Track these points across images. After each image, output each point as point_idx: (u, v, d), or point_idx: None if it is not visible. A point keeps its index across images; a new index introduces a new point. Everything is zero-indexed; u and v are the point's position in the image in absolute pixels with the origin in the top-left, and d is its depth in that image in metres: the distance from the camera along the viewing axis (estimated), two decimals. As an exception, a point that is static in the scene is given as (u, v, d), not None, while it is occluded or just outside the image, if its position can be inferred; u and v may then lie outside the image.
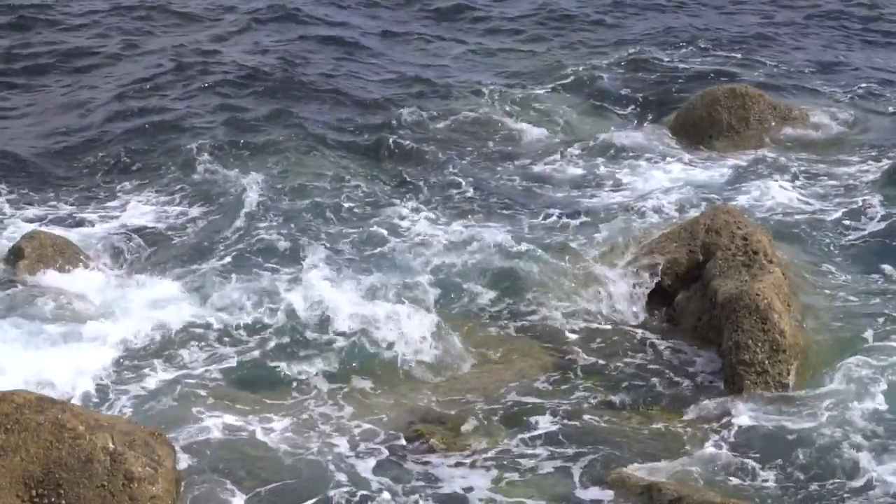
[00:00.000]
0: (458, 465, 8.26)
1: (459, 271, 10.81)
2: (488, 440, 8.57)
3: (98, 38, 18.55)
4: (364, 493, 7.86)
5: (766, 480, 8.08)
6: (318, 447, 8.43)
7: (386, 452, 8.40)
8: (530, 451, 8.45)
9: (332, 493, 7.86)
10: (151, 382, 9.18)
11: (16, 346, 9.45)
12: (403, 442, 8.53)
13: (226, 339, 9.85)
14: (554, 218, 12.23)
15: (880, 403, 8.88)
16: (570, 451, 8.39)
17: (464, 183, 13.19)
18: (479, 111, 15.38)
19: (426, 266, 10.90)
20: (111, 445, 7.40)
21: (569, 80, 16.66)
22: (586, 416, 8.87)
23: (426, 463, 8.30)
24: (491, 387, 9.28)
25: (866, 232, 11.70)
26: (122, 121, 14.93)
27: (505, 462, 8.31)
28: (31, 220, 12.12)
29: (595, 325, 10.17)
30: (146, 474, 7.40)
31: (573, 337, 10.00)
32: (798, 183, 12.94)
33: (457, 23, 20.13)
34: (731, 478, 8.12)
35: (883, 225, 11.87)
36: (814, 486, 8.01)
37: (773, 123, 14.73)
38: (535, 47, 18.60)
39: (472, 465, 8.27)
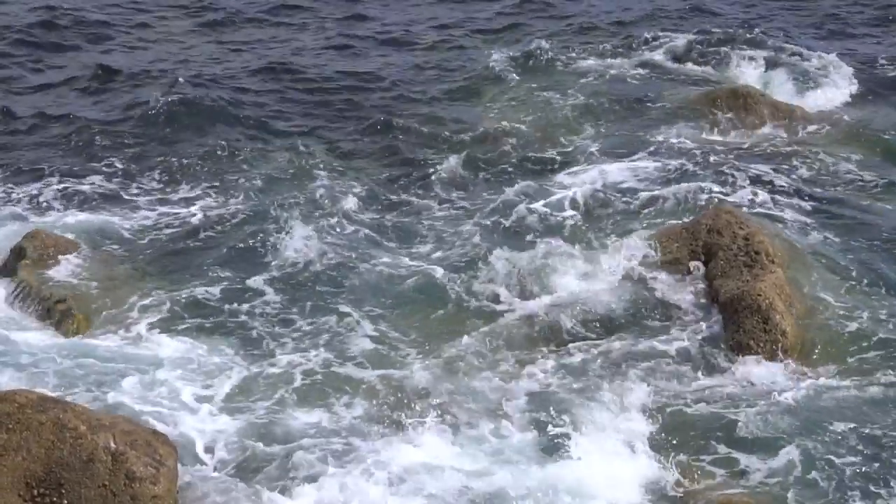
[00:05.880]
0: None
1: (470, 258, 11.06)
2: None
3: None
4: (366, 490, 7.85)
5: (765, 479, 8.09)
6: (319, 446, 8.43)
7: (389, 449, 8.38)
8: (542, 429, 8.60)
9: (333, 490, 7.85)
10: (151, 382, 9.16)
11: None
12: (409, 434, 8.54)
13: (235, 347, 9.84)
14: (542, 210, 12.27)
15: (882, 404, 8.88)
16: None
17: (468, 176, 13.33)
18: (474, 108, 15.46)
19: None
20: (113, 445, 7.40)
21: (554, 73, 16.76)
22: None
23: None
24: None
25: (868, 232, 11.69)
26: (130, 124, 14.93)
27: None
28: (31, 219, 12.14)
29: (597, 318, 10.18)
30: (148, 474, 7.40)
31: (573, 330, 10.03)
32: (800, 183, 12.91)
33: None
34: (731, 475, 8.13)
35: (885, 224, 11.86)
36: (812, 485, 8.01)
37: (774, 123, 14.71)
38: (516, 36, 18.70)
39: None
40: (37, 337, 9.72)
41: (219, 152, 13.84)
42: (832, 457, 8.27)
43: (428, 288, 10.66)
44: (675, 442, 8.44)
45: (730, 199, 12.20)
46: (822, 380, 9.24)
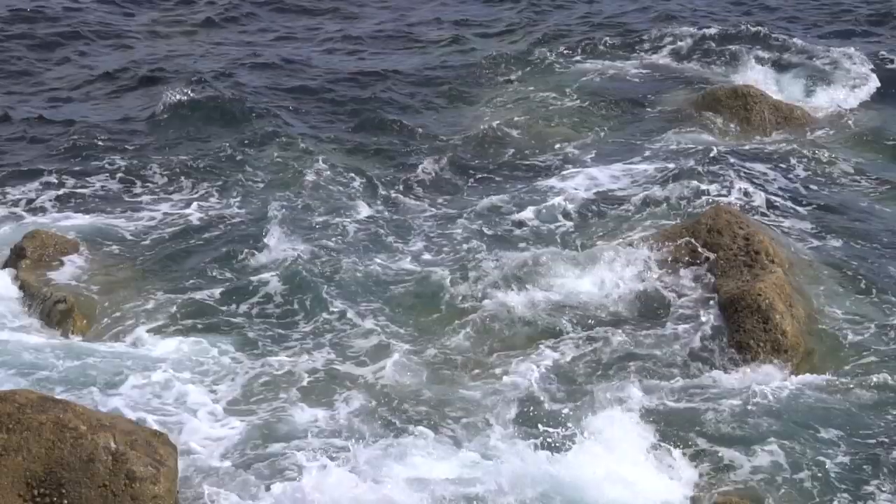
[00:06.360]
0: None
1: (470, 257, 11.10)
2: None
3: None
4: (365, 491, 7.84)
5: (764, 479, 8.08)
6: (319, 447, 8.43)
7: (386, 450, 8.36)
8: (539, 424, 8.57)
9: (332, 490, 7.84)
10: (152, 382, 9.15)
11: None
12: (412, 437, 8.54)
13: (234, 347, 9.83)
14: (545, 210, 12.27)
15: (882, 405, 8.88)
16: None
17: (465, 179, 13.35)
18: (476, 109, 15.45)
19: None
20: (113, 445, 7.40)
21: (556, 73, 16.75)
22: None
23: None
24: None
25: (868, 234, 11.68)
26: (130, 123, 14.93)
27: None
28: (31, 219, 12.12)
29: (595, 319, 10.17)
30: (148, 474, 7.39)
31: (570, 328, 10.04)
32: (798, 184, 12.90)
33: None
34: (730, 475, 8.14)
35: (885, 227, 11.85)
36: (808, 485, 8.02)
37: (775, 123, 14.71)
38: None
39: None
40: (37, 337, 9.71)
41: (219, 153, 13.84)
42: (830, 458, 8.26)
43: (424, 290, 10.64)
44: (674, 442, 8.43)
45: (729, 199, 12.18)
46: (823, 380, 9.23)
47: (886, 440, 8.46)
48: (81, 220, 12.09)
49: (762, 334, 9.49)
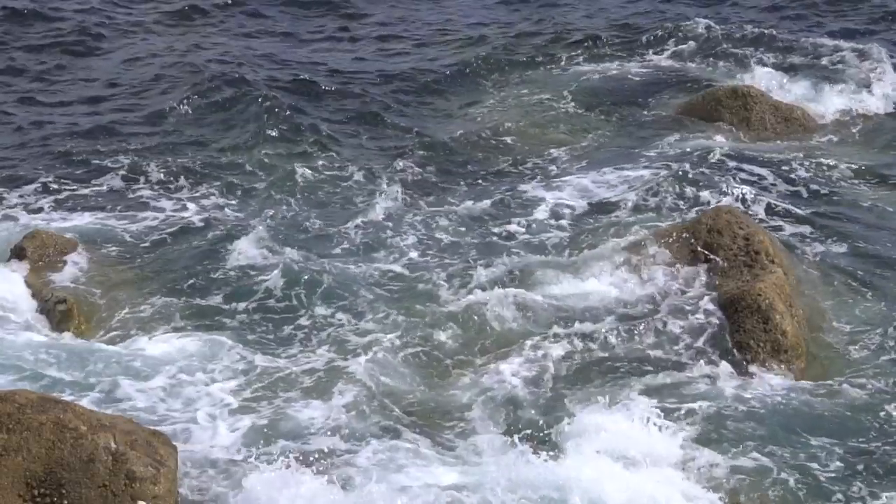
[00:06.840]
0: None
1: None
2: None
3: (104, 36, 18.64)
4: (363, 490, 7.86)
5: (764, 481, 8.09)
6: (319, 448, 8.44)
7: (383, 452, 8.38)
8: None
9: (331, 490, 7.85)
10: (152, 382, 9.16)
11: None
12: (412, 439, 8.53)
13: (233, 347, 9.81)
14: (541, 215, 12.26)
15: (883, 405, 8.88)
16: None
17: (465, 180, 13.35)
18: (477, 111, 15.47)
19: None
20: (113, 445, 7.41)
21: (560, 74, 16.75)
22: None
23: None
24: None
25: (869, 234, 11.68)
26: (129, 122, 14.94)
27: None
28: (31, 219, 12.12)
29: (592, 319, 10.16)
30: (148, 474, 7.40)
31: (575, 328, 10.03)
32: (801, 185, 12.90)
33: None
34: (729, 477, 8.13)
35: (887, 227, 11.84)
36: (810, 487, 8.02)
37: (775, 124, 14.70)
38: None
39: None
40: (37, 337, 9.71)
41: (218, 153, 13.86)
42: (831, 459, 8.27)
43: (419, 292, 10.62)
44: (673, 443, 8.43)
45: (728, 201, 12.18)
46: (824, 381, 9.25)
47: (887, 442, 8.47)
48: (82, 220, 12.07)
49: (762, 334, 9.51)
